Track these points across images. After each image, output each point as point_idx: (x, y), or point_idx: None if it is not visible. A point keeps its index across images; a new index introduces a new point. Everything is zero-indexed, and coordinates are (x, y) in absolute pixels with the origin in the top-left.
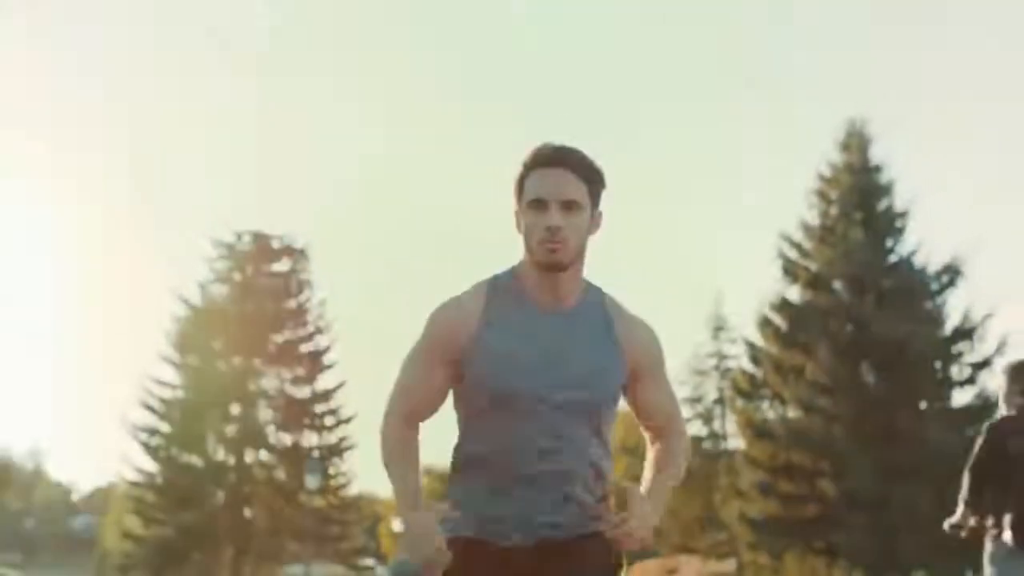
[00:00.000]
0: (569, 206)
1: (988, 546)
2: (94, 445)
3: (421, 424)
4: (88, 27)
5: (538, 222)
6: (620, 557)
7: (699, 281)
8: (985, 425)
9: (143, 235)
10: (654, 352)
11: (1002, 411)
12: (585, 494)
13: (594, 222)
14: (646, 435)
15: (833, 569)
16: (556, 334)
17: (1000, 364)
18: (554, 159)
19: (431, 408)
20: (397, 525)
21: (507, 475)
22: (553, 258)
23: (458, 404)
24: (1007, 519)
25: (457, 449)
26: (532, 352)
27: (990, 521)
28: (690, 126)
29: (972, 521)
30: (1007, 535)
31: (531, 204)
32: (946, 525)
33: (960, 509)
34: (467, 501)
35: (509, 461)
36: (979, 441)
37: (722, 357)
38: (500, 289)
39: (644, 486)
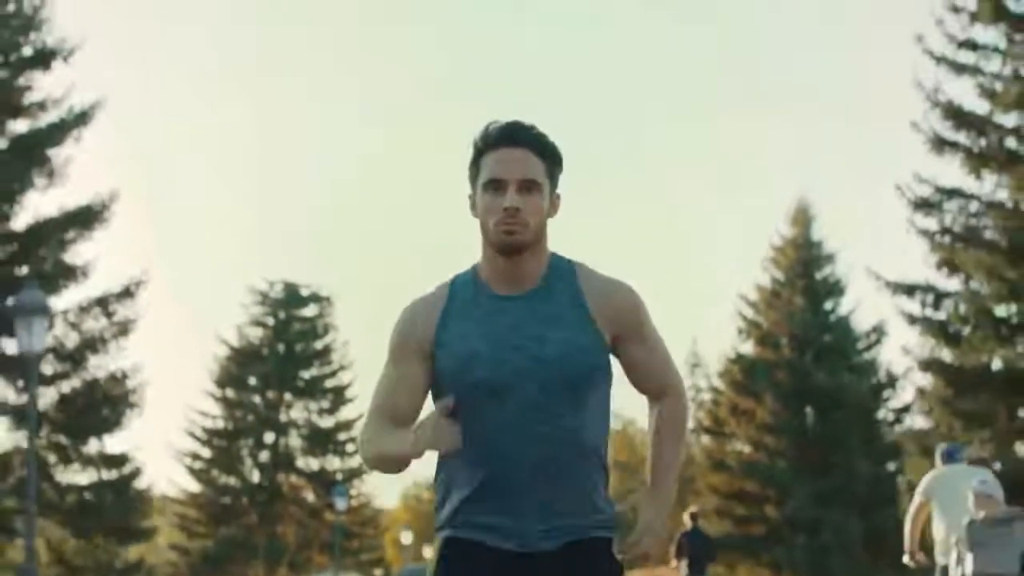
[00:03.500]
0: (528, 186)
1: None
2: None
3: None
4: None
5: (495, 203)
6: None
7: (677, 317)
8: (680, 533)
9: (187, 283)
10: (632, 312)
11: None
12: (578, 488)
13: (553, 204)
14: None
15: None
16: (521, 317)
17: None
18: (510, 138)
19: (414, 407)
20: (404, 536)
21: (493, 472)
22: (511, 240)
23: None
24: (683, 563)
25: (440, 459)
26: (495, 340)
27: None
28: (688, 147)
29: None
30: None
31: (487, 185)
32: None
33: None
34: (455, 506)
35: (492, 457)
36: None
37: (698, 390)
38: (460, 284)
39: (650, 466)
